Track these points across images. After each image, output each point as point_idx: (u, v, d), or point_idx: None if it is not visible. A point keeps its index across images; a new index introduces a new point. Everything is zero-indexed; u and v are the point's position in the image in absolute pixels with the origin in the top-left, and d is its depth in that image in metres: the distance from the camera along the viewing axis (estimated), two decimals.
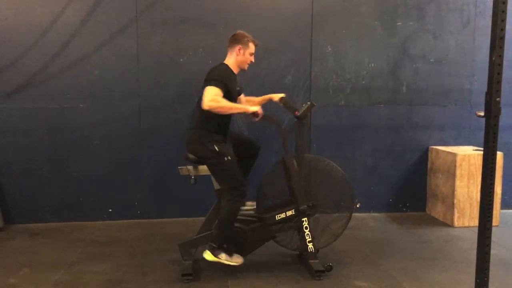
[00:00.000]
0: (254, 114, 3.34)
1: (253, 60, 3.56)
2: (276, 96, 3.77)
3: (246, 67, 3.54)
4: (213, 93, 3.23)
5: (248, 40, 3.49)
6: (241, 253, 3.51)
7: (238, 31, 3.54)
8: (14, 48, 4.53)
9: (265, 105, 3.67)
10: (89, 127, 4.70)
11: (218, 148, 3.33)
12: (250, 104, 3.79)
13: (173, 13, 4.70)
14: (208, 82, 3.29)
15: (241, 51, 3.47)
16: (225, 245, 3.44)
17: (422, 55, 5.07)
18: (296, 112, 3.61)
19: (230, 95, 3.37)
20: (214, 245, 3.43)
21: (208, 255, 3.44)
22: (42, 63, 4.58)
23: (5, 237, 4.35)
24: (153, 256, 3.88)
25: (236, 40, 3.49)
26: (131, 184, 4.82)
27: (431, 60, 5.08)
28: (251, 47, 3.51)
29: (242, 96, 3.79)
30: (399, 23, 4.99)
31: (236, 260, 3.46)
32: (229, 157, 3.34)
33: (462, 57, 5.12)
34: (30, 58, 4.56)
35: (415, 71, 5.08)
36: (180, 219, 4.85)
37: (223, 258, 3.43)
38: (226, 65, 3.49)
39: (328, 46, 4.94)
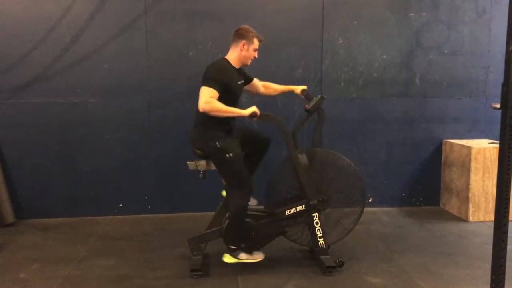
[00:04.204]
0: (251, 115, 3.28)
1: (256, 56, 3.51)
2: (298, 89, 3.76)
3: (249, 62, 3.50)
4: (208, 94, 3.19)
5: (253, 36, 3.43)
6: (251, 249, 3.48)
7: (243, 26, 3.48)
8: (24, 43, 4.53)
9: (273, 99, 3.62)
10: (99, 122, 4.70)
11: (220, 144, 3.29)
12: (269, 91, 3.87)
13: (183, 6, 4.66)
14: (204, 81, 3.25)
15: (246, 47, 3.42)
16: (242, 245, 3.41)
17: (436, 46, 4.97)
18: (307, 106, 3.57)
19: (231, 91, 3.33)
20: (232, 247, 3.40)
21: (228, 258, 3.43)
22: (51, 58, 4.58)
23: (16, 232, 4.37)
24: (162, 251, 3.86)
25: (240, 35, 3.43)
26: (141, 179, 4.81)
27: (445, 51, 4.99)
28: (256, 43, 3.46)
29: (256, 81, 3.77)
30: (412, 14, 4.90)
31: (257, 257, 3.44)
32: (231, 154, 3.28)
33: (477, 48, 5.02)
34: (39, 53, 4.56)
35: (428, 63, 4.98)
36: (190, 214, 4.84)
37: (244, 257, 3.41)
38: (226, 60, 3.45)
39: (340, 38, 4.86)
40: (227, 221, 3.42)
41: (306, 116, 3.67)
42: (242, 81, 3.56)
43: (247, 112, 3.26)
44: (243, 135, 3.53)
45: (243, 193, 3.33)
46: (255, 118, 3.31)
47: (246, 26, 3.47)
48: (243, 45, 3.41)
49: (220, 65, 3.40)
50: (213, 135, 3.32)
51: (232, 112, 3.27)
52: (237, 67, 3.48)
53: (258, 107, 3.30)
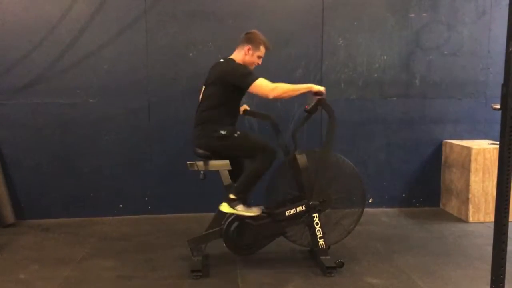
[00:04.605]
0: (318, 93, 3.30)
1: (259, 63, 3.51)
2: None
3: (252, 67, 3.50)
4: (267, 83, 3.21)
5: (260, 43, 3.44)
6: (251, 250, 3.48)
7: (254, 31, 3.48)
8: (24, 43, 4.53)
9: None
10: (98, 122, 4.70)
11: (225, 131, 3.32)
12: None
13: (182, 7, 4.66)
14: (246, 77, 3.24)
15: (250, 52, 3.43)
16: (244, 197, 3.41)
17: (435, 47, 4.97)
18: (306, 106, 3.56)
19: (240, 90, 3.33)
20: (233, 197, 3.37)
21: (225, 207, 3.39)
22: (51, 58, 4.58)
23: (16, 232, 4.36)
24: (162, 252, 3.86)
25: (248, 39, 3.43)
26: (141, 179, 4.81)
27: (445, 52, 4.99)
28: (262, 50, 3.47)
29: None
30: (412, 15, 4.90)
31: (254, 211, 3.41)
32: (238, 132, 3.34)
33: (477, 49, 5.02)
34: (39, 53, 4.56)
35: (428, 64, 4.98)
36: (190, 214, 4.83)
37: (241, 209, 3.37)
38: (234, 60, 3.45)
39: (340, 39, 4.86)
40: (231, 222, 3.41)
41: (305, 116, 3.67)
42: None
43: (316, 87, 3.31)
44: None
45: (267, 153, 3.35)
46: (318, 97, 3.34)
47: (257, 32, 3.48)
48: (248, 49, 3.42)
49: (235, 62, 3.41)
50: (217, 128, 3.34)
51: (302, 89, 3.32)
52: None
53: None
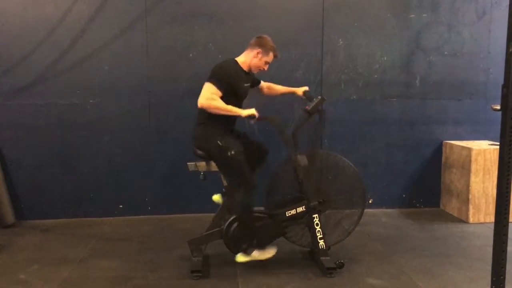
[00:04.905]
0: (249, 116, 3.29)
1: (265, 69, 3.53)
2: (300, 90, 3.79)
3: (257, 71, 3.53)
4: (211, 91, 3.22)
5: (270, 49, 3.46)
6: (264, 245, 3.48)
7: (266, 36, 3.50)
8: (24, 44, 4.53)
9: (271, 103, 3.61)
10: (99, 123, 4.70)
11: (221, 142, 3.31)
12: (272, 92, 3.90)
13: (183, 7, 4.66)
14: (209, 78, 3.27)
15: (259, 56, 3.44)
16: (254, 241, 3.41)
17: (436, 48, 4.97)
18: (307, 107, 3.56)
19: (235, 92, 3.34)
20: (244, 247, 3.40)
21: (241, 258, 3.43)
22: (51, 59, 4.58)
23: (16, 233, 4.37)
24: (162, 252, 3.86)
25: (259, 43, 3.45)
26: (141, 180, 4.81)
27: (445, 53, 4.99)
28: (270, 57, 3.49)
29: (263, 83, 3.84)
30: (412, 15, 4.90)
31: (270, 252, 3.44)
32: (232, 152, 3.28)
33: (477, 50, 5.02)
34: (39, 54, 4.56)
35: (429, 64, 4.99)
36: (190, 215, 4.83)
37: (257, 255, 3.41)
38: (235, 61, 3.45)
39: (340, 40, 4.86)
40: (230, 222, 3.40)
41: (306, 117, 3.67)
42: (249, 84, 3.57)
43: (245, 112, 3.27)
44: (243, 142, 3.50)
45: (247, 191, 3.33)
46: (252, 120, 3.32)
47: (269, 38, 3.49)
48: (258, 53, 3.43)
49: (228, 65, 3.40)
50: (214, 132, 3.34)
51: (230, 111, 3.28)
52: (246, 70, 3.49)
53: (258, 108, 3.30)
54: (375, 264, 3.60)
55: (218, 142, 3.30)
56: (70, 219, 4.74)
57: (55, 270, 3.47)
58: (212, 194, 3.76)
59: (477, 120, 5.10)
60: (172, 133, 4.76)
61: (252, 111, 3.27)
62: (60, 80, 4.61)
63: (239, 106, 3.50)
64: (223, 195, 3.62)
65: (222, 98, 3.27)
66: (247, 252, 3.42)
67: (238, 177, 3.35)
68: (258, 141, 3.77)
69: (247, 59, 3.47)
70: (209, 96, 3.21)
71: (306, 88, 3.80)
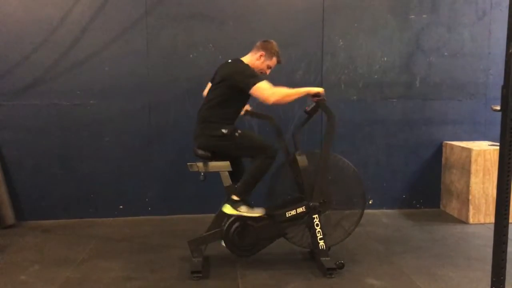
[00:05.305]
0: (317, 94, 3.31)
1: (267, 73, 3.54)
2: None
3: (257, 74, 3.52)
4: (267, 86, 3.21)
5: (273, 54, 3.47)
6: (251, 251, 3.48)
7: (273, 41, 3.52)
8: (25, 45, 4.54)
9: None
10: (99, 124, 4.70)
11: (226, 130, 3.33)
12: None
13: (183, 8, 4.67)
14: (249, 80, 3.24)
15: (262, 59, 3.46)
16: (247, 198, 3.43)
17: (436, 49, 4.97)
18: (307, 108, 3.57)
19: (246, 92, 3.34)
20: (236, 199, 3.39)
21: (227, 209, 3.41)
22: (52, 60, 4.59)
23: (17, 233, 4.37)
24: (163, 253, 3.86)
25: (263, 46, 3.47)
26: (141, 180, 4.81)
27: (445, 53, 4.99)
28: (273, 61, 3.50)
29: None
30: (412, 16, 4.90)
31: (257, 211, 3.43)
32: (239, 131, 3.35)
33: (477, 50, 5.02)
34: (40, 55, 4.57)
35: (429, 65, 4.99)
36: (190, 215, 4.84)
37: (244, 210, 3.39)
38: (242, 61, 3.47)
39: (340, 40, 4.87)
40: (231, 223, 3.41)
41: (306, 118, 3.68)
42: None
43: (314, 89, 3.32)
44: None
45: (268, 153, 3.35)
46: (316, 99, 3.35)
47: (275, 43, 3.51)
48: (261, 56, 3.45)
49: (247, 64, 3.42)
50: (217, 127, 3.35)
51: (301, 93, 3.32)
52: None
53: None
54: (375, 264, 3.60)
55: (222, 130, 3.32)
56: (71, 219, 4.74)
57: (55, 271, 3.47)
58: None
59: (477, 120, 5.10)
60: (172, 133, 4.76)
61: (321, 89, 3.33)
62: (60, 80, 4.62)
63: (244, 106, 3.54)
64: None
65: (233, 96, 3.30)
66: (236, 204, 3.39)
67: (256, 146, 3.39)
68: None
69: (251, 60, 3.48)
70: (272, 91, 3.20)
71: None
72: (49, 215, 4.73)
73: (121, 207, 4.82)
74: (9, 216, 4.54)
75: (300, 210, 3.48)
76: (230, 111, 3.42)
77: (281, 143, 3.66)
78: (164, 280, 3.32)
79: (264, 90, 3.20)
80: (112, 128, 4.73)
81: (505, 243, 2.26)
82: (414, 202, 5.16)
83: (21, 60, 4.55)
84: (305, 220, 3.52)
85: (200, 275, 3.33)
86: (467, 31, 4.99)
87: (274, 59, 3.49)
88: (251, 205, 3.44)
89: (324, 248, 3.47)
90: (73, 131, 4.69)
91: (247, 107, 3.84)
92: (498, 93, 2.22)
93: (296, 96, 3.30)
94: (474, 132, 5.12)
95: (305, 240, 3.67)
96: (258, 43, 3.50)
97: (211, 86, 3.54)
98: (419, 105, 5.03)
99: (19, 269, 3.52)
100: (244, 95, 3.37)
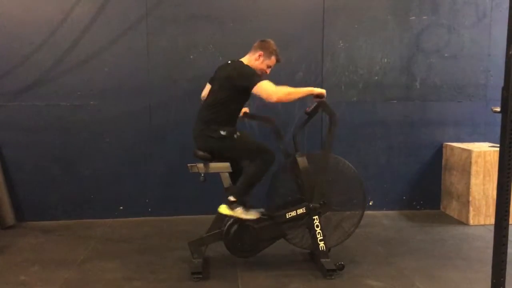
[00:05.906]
0: (320, 95, 3.31)
1: (267, 73, 3.53)
2: None
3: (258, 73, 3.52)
4: (270, 85, 3.22)
5: (272, 53, 3.47)
6: (252, 252, 3.48)
7: (270, 40, 3.51)
8: (25, 46, 4.54)
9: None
10: (99, 125, 4.70)
11: (224, 132, 3.33)
12: None
13: (183, 9, 4.67)
14: (251, 78, 3.25)
15: (261, 59, 3.46)
16: (244, 200, 3.42)
17: (436, 50, 4.97)
18: (307, 109, 3.57)
19: (249, 94, 3.35)
20: (233, 199, 3.38)
21: (223, 209, 3.40)
22: (52, 60, 4.59)
23: (17, 234, 4.36)
24: (163, 254, 3.86)
25: (262, 46, 3.47)
26: (141, 181, 4.81)
27: (446, 55, 4.99)
28: (272, 60, 3.50)
29: None
30: (412, 17, 4.90)
31: (252, 214, 3.41)
32: (238, 133, 3.36)
33: (477, 52, 5.02)
34: (40, 55, 4.56)
35: (429, 66, 4.99)
36: (190, 216, 4.83)
37: (239, 211, 3.38)
38: (241, 61, 3.47)
39: (340, 42, 4.87)
40: (231, 224, 3.41)
41: (306, 119, 3.67)
42: None
43: (317, 90, 3.33)
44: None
45: (266, 157, 3.36)
46: (318, 100, 3.37)
47: (272, 42, 3.50)
48: (259, 56, 3.45)
49: (248, 66, 3.42)
50: (216, 129, 3.35)
51: (304, 92, 3.33)
52: None
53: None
54: (376, 266, 3.59)
55: (221, 132, 3.32)
56: (70, 220, 4.73)
57: (55, 272, 3.47)
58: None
59: (477, 122, 5.10)
60: (172, 134, 4.76)
61: (323, 91, 3.34)
62: (60, 81, 4.61)
63: (243, 107, 3.54)
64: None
65: (233, 97, 3.31)
66: (232, 205, 3.38)
67: (254, 150, 3.39)
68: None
69: (250, 61, 3.47)
70: (276, 89, 3.20)
71: None
72: (49, 215, 4.73)
73: (121, 208, 4.82)
74: (9, 216, 4.54)
75: (300, 211, 3.48)
76: (229, 112, 3.42)
77: (281, 144, 3.66)
78: (164, 281, 3.32)
79: (268, 88, 3.21)
80: (112, 129, 4.72)
81: (505, 244, 2.26)
82: (414, 203, 5.15)
83: (21, 60, 4.55)
84: (305, 221, 3.52)
85: (200, 276, 3.33)
86: (468, 33, 4.98)
87: (273, 58, 3.49)
88: (247, 207, 3.43)
89: (324, 249, 3.46)
90: (73, 132, 4.68)
91: (246, 109, 3.85)
92: (498, 95, 2.21)
93: (299, 95, 3.31)
94: (474, 134, 5.12)
95: (305, 241, 3.67)
96: (255, 43, 3.50)
97: (211, 87, 3.55)
98: (420, 106, 5.03)
99: (19, 269, 3.52)
100: (244, 96, 3.37)
